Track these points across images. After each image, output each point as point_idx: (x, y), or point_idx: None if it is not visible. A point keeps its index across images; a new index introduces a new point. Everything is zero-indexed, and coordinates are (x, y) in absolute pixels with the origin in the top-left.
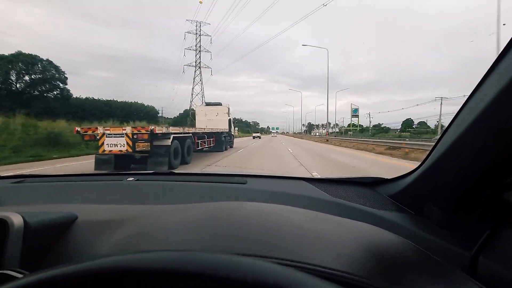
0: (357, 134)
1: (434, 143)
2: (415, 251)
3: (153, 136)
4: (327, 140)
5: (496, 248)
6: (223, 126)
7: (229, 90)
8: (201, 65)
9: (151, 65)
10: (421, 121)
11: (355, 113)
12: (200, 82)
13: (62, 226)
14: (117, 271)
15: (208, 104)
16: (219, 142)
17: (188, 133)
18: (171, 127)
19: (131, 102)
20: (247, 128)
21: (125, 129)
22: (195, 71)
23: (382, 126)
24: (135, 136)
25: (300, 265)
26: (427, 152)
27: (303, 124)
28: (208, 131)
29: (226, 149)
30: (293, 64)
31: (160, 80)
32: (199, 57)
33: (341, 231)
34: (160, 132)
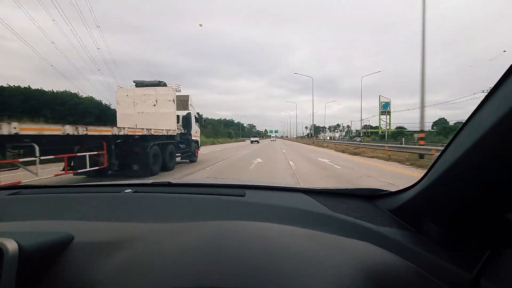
0: (372, 139)
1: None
2: (415, 274)
3: None
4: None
5: (497, 270)
6: (168, 124)
7: (228, 94)
8: None
9: (152, 69)
10: (458, 122)
11: (385, 108)
12: None
13: (58, 248)
14: None
15: (139, 84)
16: (155, 156)
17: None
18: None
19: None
20: (236, 131)
21: None
22: None
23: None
24: None
25: None
26: None
27: (306, 127)
28: (136, 134)
29: (171, 168)
30: (292, 68)
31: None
32: None
33: (341, 255)
34: None
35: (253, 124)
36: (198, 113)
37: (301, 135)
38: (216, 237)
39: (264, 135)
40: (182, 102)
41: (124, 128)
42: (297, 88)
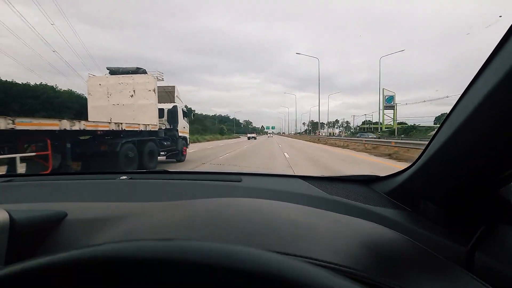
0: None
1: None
2: (413, 246)
3: None
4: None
5: (491, 243)
6: (148, 118)
7: (225, 91)
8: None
9: (148, 66)
10: None
11: (389, 102)
12: None
13: (50, 224)
14: (110, 259)
15: (113, 71)
16: (128, 157)
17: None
18: None
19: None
20: (230, 126)
21: None
22: None
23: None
24: None
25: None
26: None
27: (304, 123)
28: (99, 130)
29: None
30: (289, 65)
31: None
32: None
33: (338, 227)
34: None
35: (249, 120)
36: (186, 107)
37: (298, 131)
38: (212, 209)
39: (260, 131)
40: (168, 94)
41: (79, 121)
42: (294, 85)
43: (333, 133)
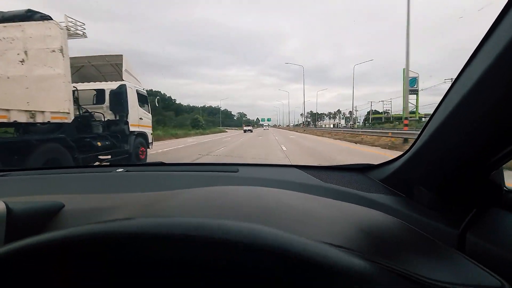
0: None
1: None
2: (406, 229)
3: None
4: None
5: (482, 225)
6: (51, 101)
7: (220, 84)
8: None
9: (140, 59)
10: None
11: (412, 85)
12: None
13: (47, 214)
14: (110, 236)
15: None
16: None
17: None
18: None
19: None
20: (227, 120)
21: None
22: None
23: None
24: None
25: None
26: None
27: (301, 114)
28: None
29: None
30: (284, 57)
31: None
32: None
33: (334, 212)
34: None
35: (243, 113)
36: (145, 90)
37: (296, 123)
38: (209, 196)
39: (255, 123)
40: (113, 66)
41: None
42: (289, 77)
43: (337, 124)
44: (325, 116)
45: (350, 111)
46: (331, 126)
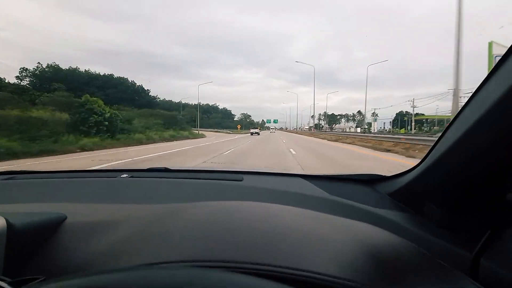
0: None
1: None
2: (415, 252)
3: None
4: None
5: (497, 250)
6: None
7: (228, 86)
8: None
9: (148, 60)
10: None
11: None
12: None
13: (49, 228)
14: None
15: None
16: None
17: None
18: None
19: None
20: (227, 121)
21: None
22: None
23: None
24: None
25: (298, 272)
26: None
27: (313, 116)
28: None
29: None
30: (291, 59)
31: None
32: None
33: (341, 233)
34: None
35: (248, 114)
36: None
37: (306, 127)
38: (215, 215)
39: (260, 126)
40: None
41: None
42: (297, 79)
43: (364, 129)
44: (341, 119)
45: (373, 113)
46: (350, 130)
